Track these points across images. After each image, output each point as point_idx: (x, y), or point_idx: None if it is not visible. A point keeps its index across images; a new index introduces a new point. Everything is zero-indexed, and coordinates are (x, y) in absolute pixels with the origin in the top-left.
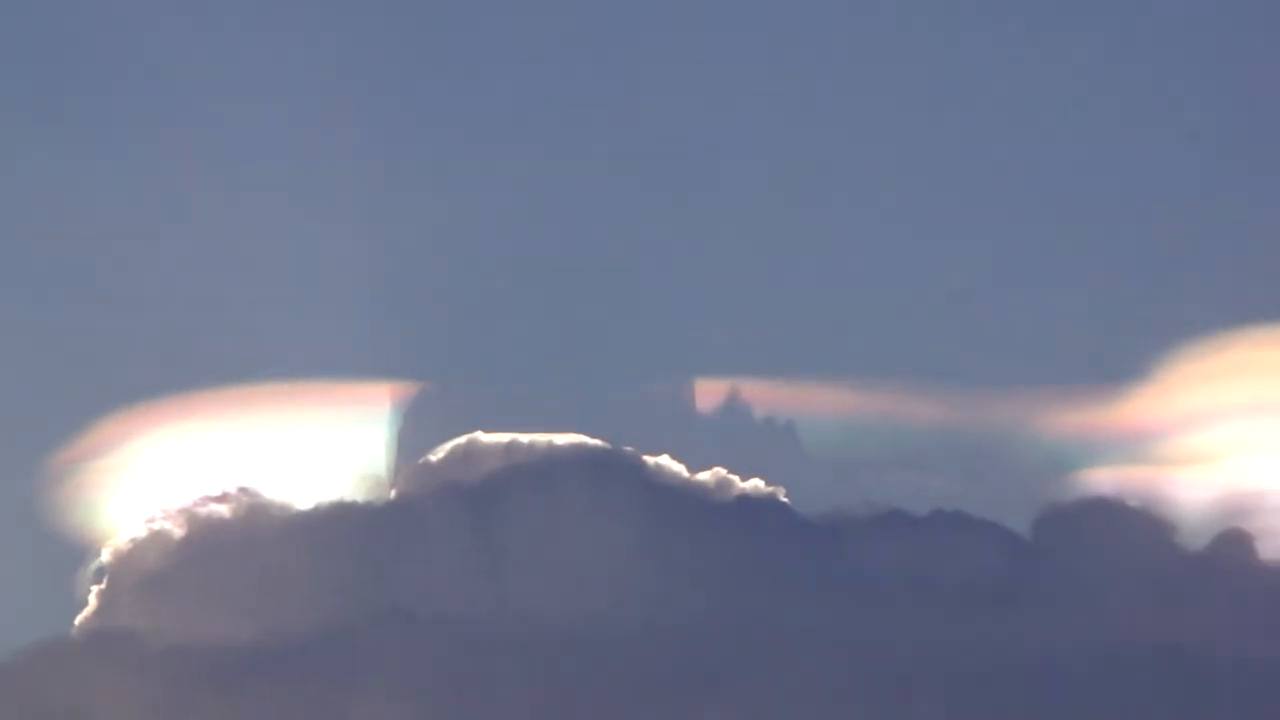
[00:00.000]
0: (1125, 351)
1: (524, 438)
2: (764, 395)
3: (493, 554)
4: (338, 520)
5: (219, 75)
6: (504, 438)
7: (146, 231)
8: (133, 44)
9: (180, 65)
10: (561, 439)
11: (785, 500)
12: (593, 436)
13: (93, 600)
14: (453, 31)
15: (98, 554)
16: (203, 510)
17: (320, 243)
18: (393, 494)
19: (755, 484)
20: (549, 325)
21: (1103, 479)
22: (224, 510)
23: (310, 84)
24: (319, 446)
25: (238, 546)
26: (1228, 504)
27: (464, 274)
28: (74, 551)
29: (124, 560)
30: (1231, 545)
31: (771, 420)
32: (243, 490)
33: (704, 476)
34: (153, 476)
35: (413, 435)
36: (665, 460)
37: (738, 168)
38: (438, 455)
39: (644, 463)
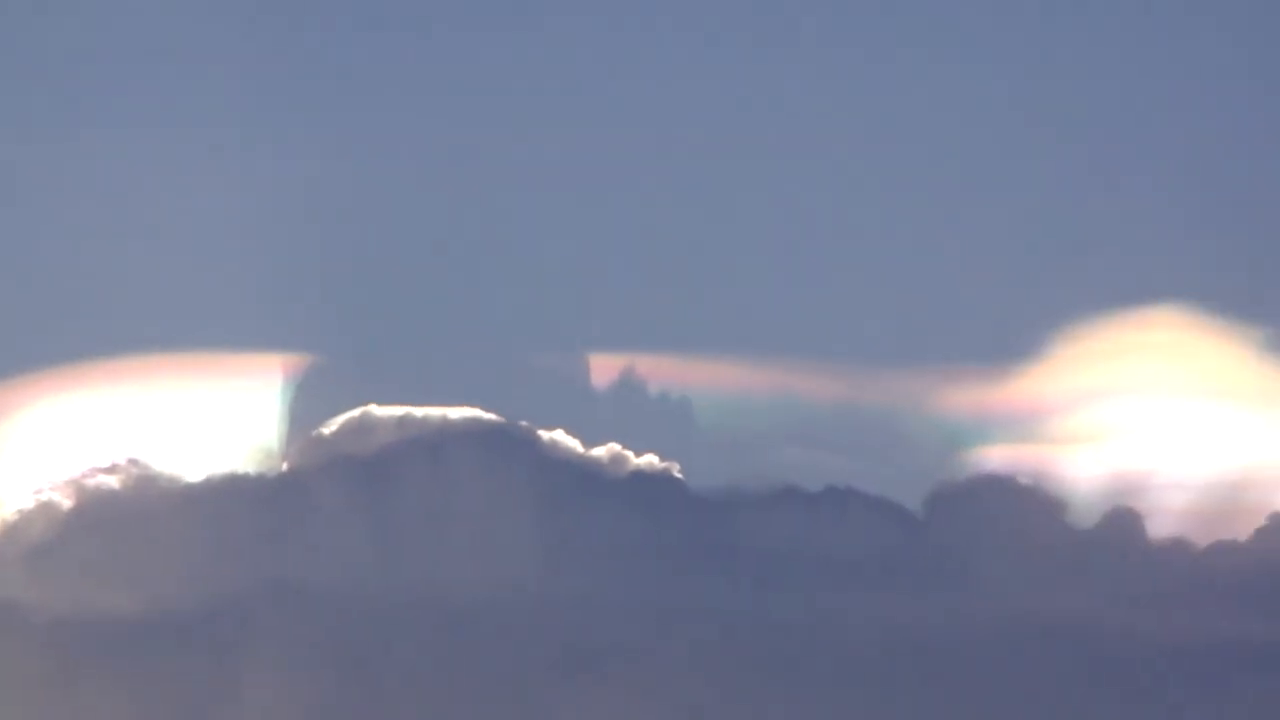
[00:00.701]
0: (1017, 331)
1: (418, 411)
2: (659, 371)
3: (385, 528)
4: (228, 493)
5: (104, 42)
6: (397, 411)
7: (32, 202)
8: None
9: (59, 29)
10: (455, 413)
11: (679, 476)
12: (487, 411)
13: None
14: (373, 9)
15: None
16: (91, 482)
17: (212, 213)
18: (284, 466)
19: (649, 459)
20: (443, 298)
21: (994, 457)
22: (113, 482)
23: (201, 53)
24: (210, 418)
25: (127, 519)
26: (1117, 482)
27: (358, 246)
28: None
29: (11, 532)
30: (1121, 523)
31: (666, 396)
32: (132, 462)
33: (598, 452)
34: (41, 448)
35: (305, 408)
36: (560, 435)
37: (632, 140)
38: (330, 428)
39: (538, 437)
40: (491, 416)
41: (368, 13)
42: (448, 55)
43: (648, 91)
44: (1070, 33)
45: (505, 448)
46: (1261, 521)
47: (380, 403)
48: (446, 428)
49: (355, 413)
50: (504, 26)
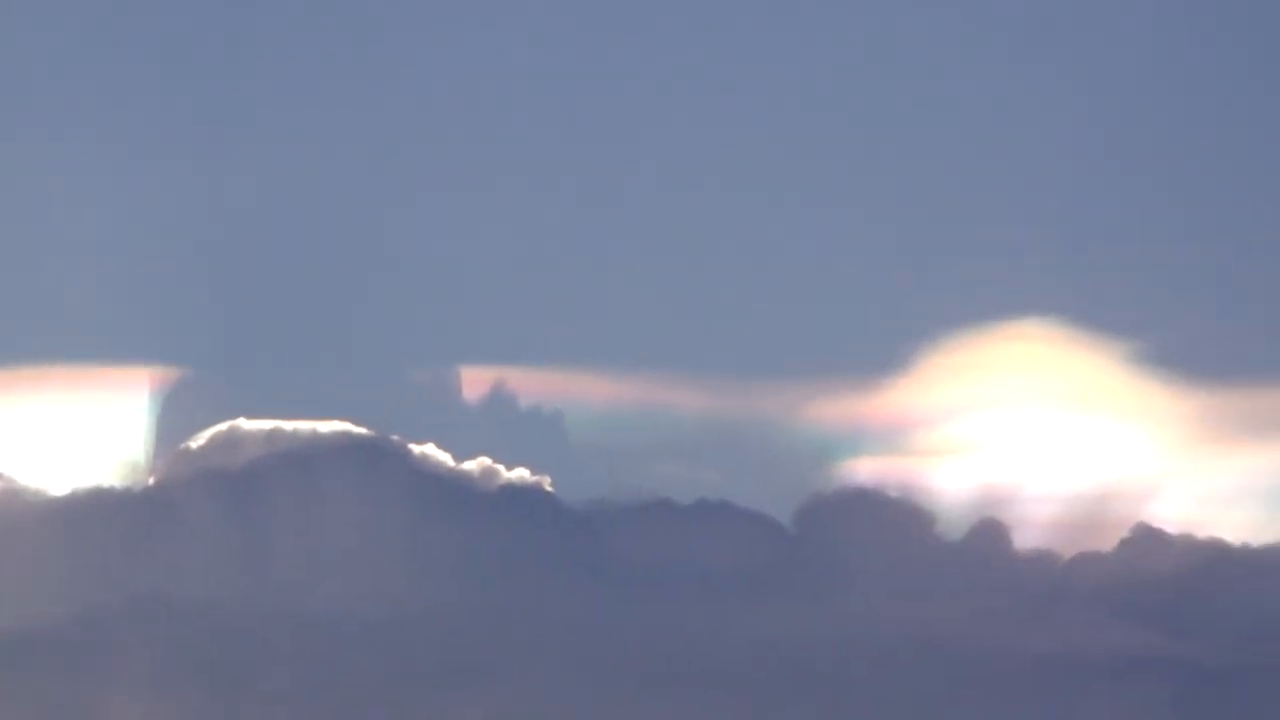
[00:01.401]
0: (886, 344)
1: (287, 425)
2: (530, 385)
3: (254, 541)
4: (95, 506)
5: None
6: (267, 425)
7: None
8: None
9: None
10: (325, 427)
11: (550, 489)
12: (358, 424)
13: None
14: (212, 17)
15: None
16: None
17: (79, 225)
18: (151, 480)
19: (520, 473)
20: (314, 311)
21: (863, 469)
22: None
23: (69, 66)
24: (76, 432)
25: None
26: (984, 494)
27: (227, 259)
28: None
29: None
30: (987, 535)
31: (537, 410)
32: None
33: (469, 465)
34: None
35: (173, 421)
36: (430, 449)
37: (504, 157)
38: (199, 441)
39: (409, 451)
40: (362, 430)
41: (235, 23)
42: (317, 66)
43: (515, 102)
44: (932, 46)
45: (376, 461)
46: (1125, 533)
47: (249, 416)
48: (316, 441)
49: (224, 426)
50: (371, 38)
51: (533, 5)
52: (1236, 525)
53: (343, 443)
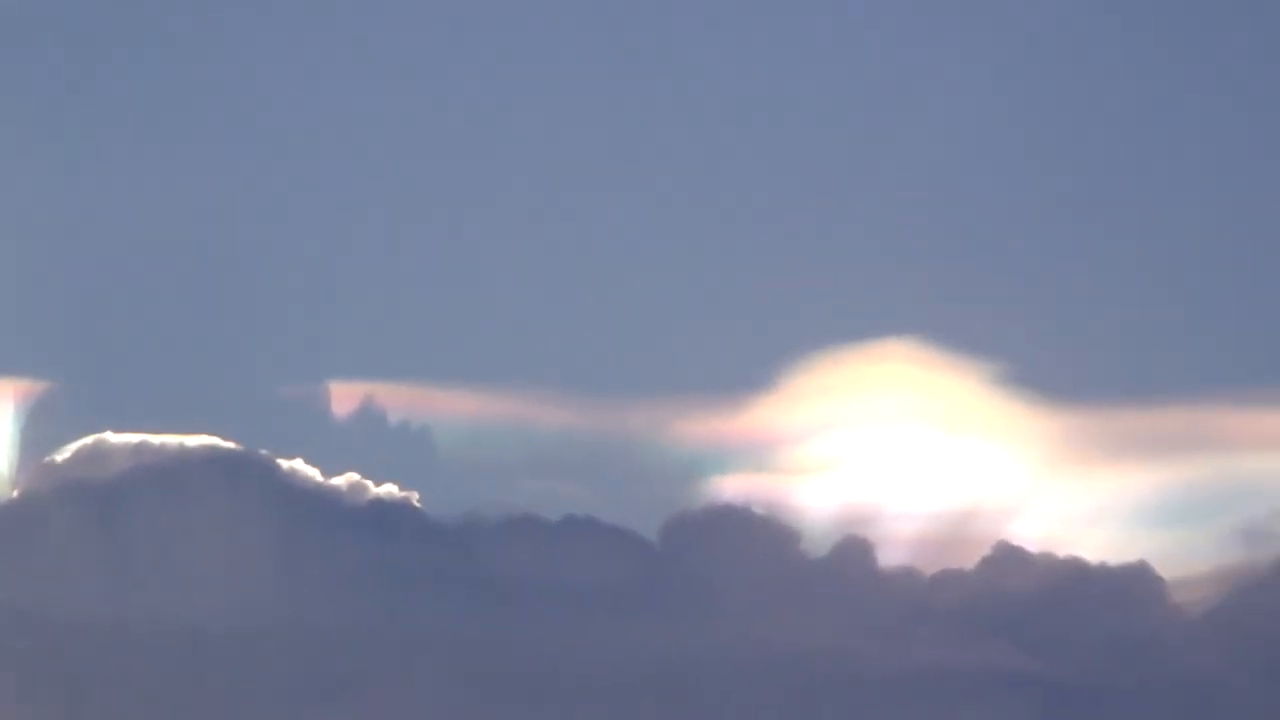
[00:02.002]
0: (752, 362)
1: (154, 439)
2: (399, 400)
3: (120, 556)
4: None
5: None
6: (133, 438)
7: None
8: None
9: None
10: (193, 441)
11: (418, 505)
12: (225, 439)
13: None
14: (92, 26)
15: None
16: None
17: None
18: (14, 494)
19: (389, 488)
20: (181, 324)
21: (729, 486)
22: None
23: None
24: None
25: None
26: (848, 512)
27: (93, 269)
28: None
29: None
30: (851, 552)
31: (406, 425)
32: None
33: (338, 481)
34: None
35: (36, 434)
36: (299, 464)
37: (372, 171)
38: (63, 455)
39: (277, 466)
40: (229, 445)
41: (95, 25)
42: (186, 72)
43: (383, 114)
44: (794, 61)
45: (243, 476)
46: (986, 551)
47: (115, 430)
48: (183, 456)
49: (89, 440)
50: (239, 43)
51: (391, 8)
52: (1096, 545)
53: (210, 457)
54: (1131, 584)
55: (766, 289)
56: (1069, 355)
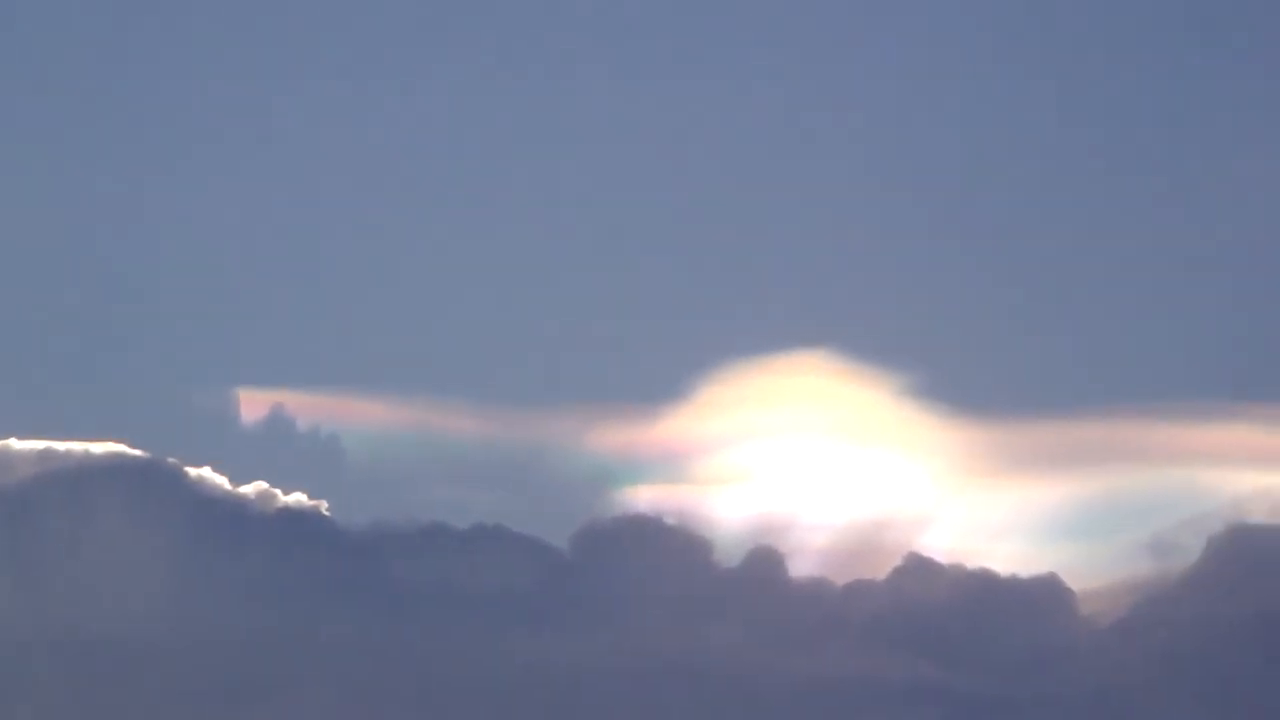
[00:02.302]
0: (664, 372)
1: (60, 446)
2: (308, 408)
3: (24, 564)
4: None
5: None
6: (38, 445)
7: None
8: None
9: None
10: (99, 448)
11: (327, 513)
12: (133, 446)
13: None
14: None
15: None
16: None
17: None
18: None
19: (298, 497)
20: (89, 330)
21: (641, 496)
22: None
23: None
24: None
25: None
26: (760, 522)
27: None
28: None
29: None
30: (763, 562)
31: (315, 433)
32: None
33: (246, 489)
34: None
35: None
36: (207, 472)
37: (282, 176)
38: None
39: (185, 474)
40: (137, 452)
41: (25, 44)
42: (89, 79)
43: (293, 122)
44: (712, 78)
45: (151, 484)
46: (897, 562)
47: (20, 436)
48: (90, 463)
49: None
50: (143, 44)
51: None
52: (1005, 556)
53: (117, 464)
54: (1041, 595)
55: (680, 300)
56: (979, 368)
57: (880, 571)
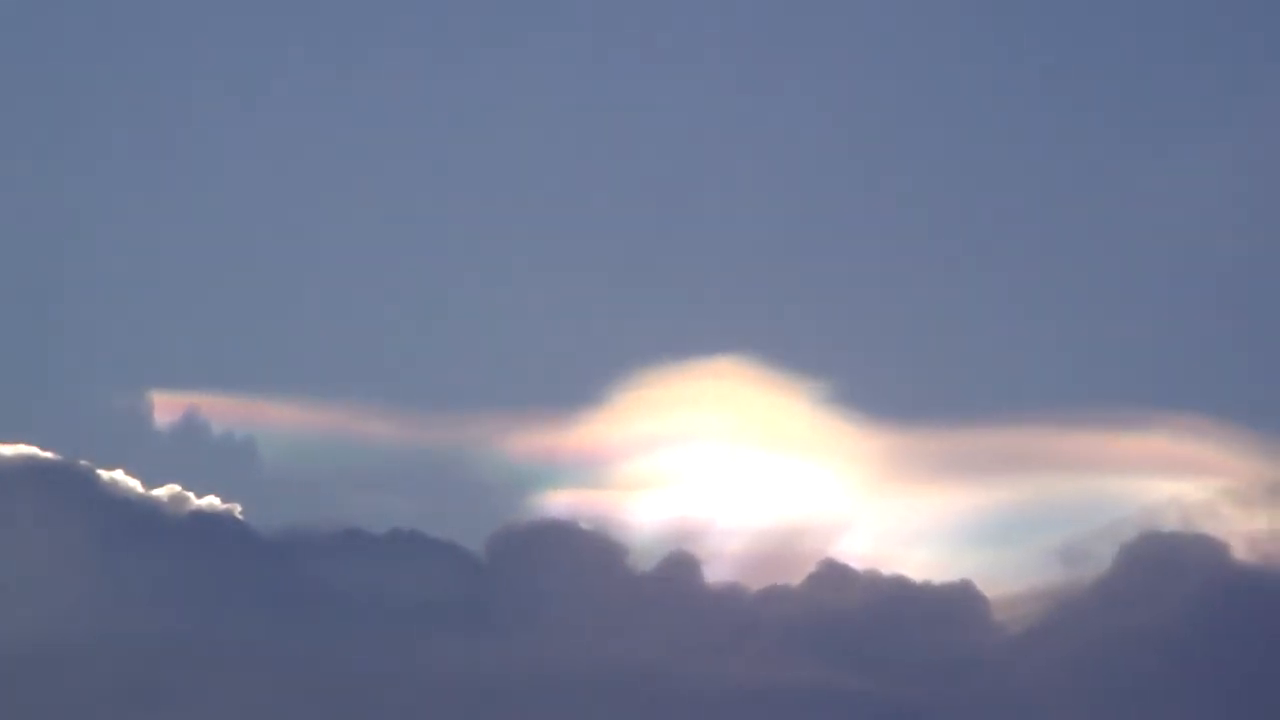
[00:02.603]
0: (581, 377)
1: None
2: (223, 411)
3: None
4: None
5: None
6: None
7: None
8: None
9: None
10: (9, 450)
11: (240, 517)
12: (43, 449)
13: None
14: None
15: None
16: None
17: None
18: None
19: (211, 500)
20: None
21: (557, 501)
22: None
23: None
24: None
25: None
26: (677, 528)
27: None
28: None
29: None
30: (679, 568)
31: (230, 436)
32: None
33: (159, 492)
34: None
35: None
36: (119, 475)
37: (196, 175)
38: None
39: (97, 477)
40: (48, 454)
41: None
42: (36, 80)
43: (206, 118)
44: (631, 78)
45: (62, 487)
46: (812, 568)
47: None
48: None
49: None
50: (59, 43)
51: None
52: (920, 563)
53: (27, 466)
54: (955, 602)
55: (597, 305)
56: (895, 375)
57: (795, 577)
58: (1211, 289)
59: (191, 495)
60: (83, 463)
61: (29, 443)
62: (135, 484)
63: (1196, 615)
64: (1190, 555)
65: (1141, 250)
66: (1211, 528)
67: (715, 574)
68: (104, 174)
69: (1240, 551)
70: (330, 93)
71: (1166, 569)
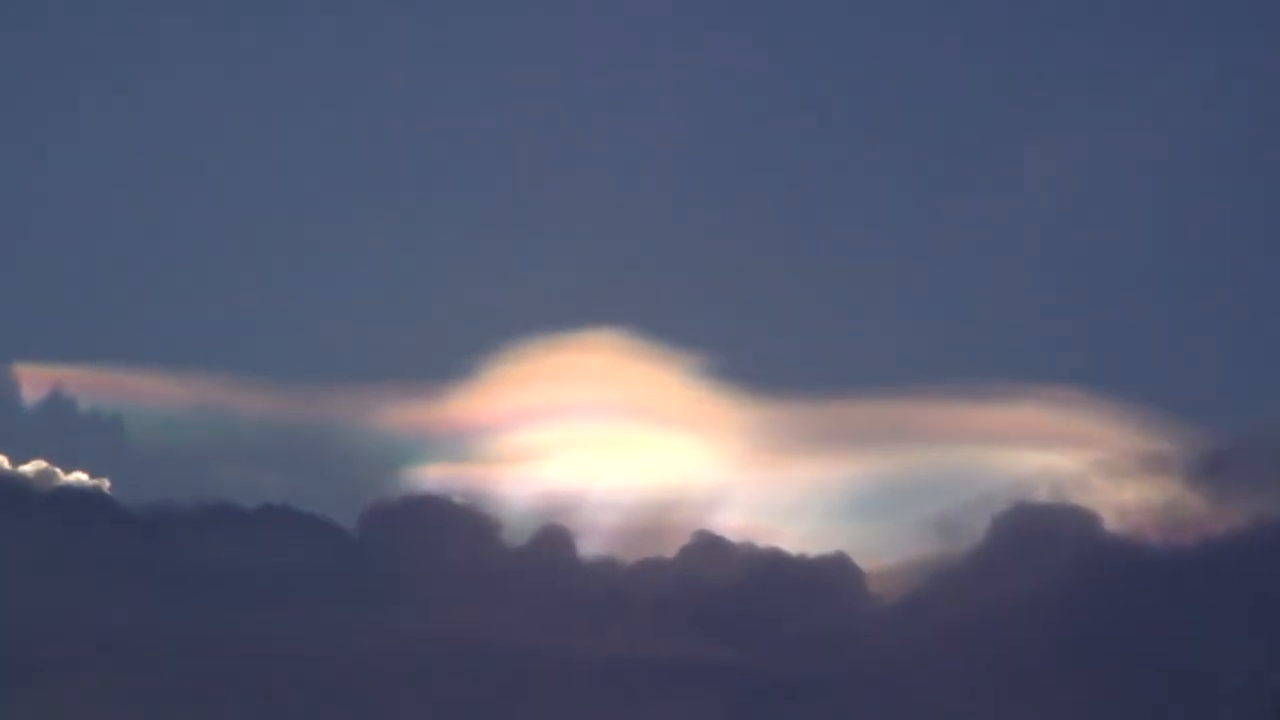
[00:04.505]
0: (454, 350)
1: None
2: (90, 385)
3: None
4: None
5: None
6: None
7: None
8: None
9: None
10: None
11: (109, 493)
12: None
13: None
14: None
15: None
16: None
17: None
18: None
19: (79, 476)
20: None
21: (429, 475)
22: None
23: None
24: None
25: None
26: (550, 501)
27: None
28: None
29: None
30: (552, 541)
31: (97, 412)
32: None
33: (25, 469)
34: None
35: None
36: None
37: (66, 146)
38: None
39: None
40: None
41: None
42: None
43: (90, 101)
44: (524, 59)
45: None
46: (687, 540)
47: None
48: None
49: None
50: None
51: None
52: (795, 535)
53: None
54: (830, 574)
55: (471, 277)
56: (771, 349)
57: (669, 550)
58: (1083, 263)
59: (59, 471)
60: None
61: None
62: (2, 460)
63: (1068, 585)
64: (1062, 526)
65: (1013, 226)
66: (1082, 499)
67: (589, 547)
68: None
69: (1111, 522)
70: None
71: (1038, 540)
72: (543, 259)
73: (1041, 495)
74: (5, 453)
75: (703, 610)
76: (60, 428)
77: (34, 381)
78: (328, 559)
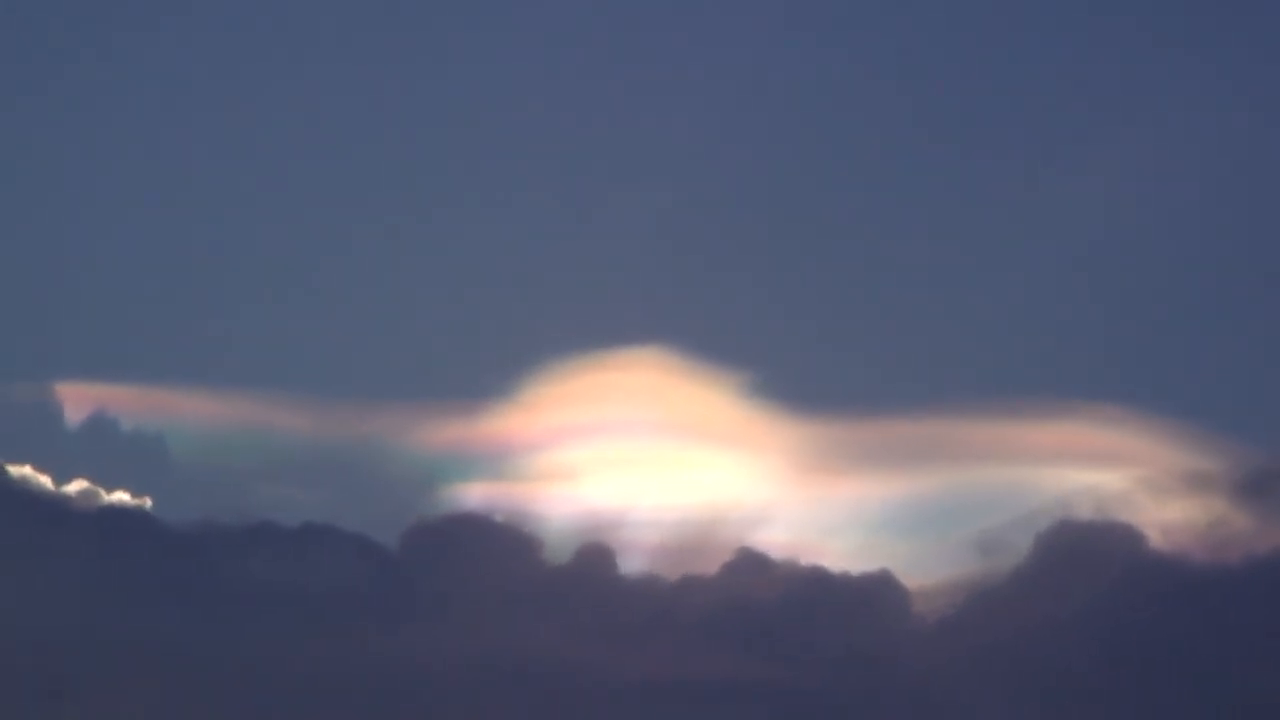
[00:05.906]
0: (496, 367)
1: None
2: (132, 405)
3: None
4: None
5: None
6: None
7: None
8: None
9: None
10: None
11: (152, 512)
12: None
13: None
14: None
15: None
16: None
17: None
18: None
19: (121, 496)
20: None
21: (470, 493)
22: None
23: None
24: None
25: None
26: (591, 520)
27: None
28: None
29: None
30: (593, 559)
31: (140, 431)
32: None
33: (68, 489)
34: None
35: None
36: (28, 471)
37: (105, 168)
38: None
39: (6, 473)
40: None
41: None
42: None
43: (117, 116)
44: (534, 61)
45: None
46: (729, 557)
47: None
48: None
49: None
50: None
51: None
52: (838, 553)
53: None
54: (873, 592)
55: (512, 294)
56: (814, 366)
57: (712, 567)
58: (1129, 280)
59: (101, 491)
60: None
61: None
62: (45, 480)
63: (1113, 603)
64: (1106, 544)
65: (1060, 242)
66: (1127, 516)
67: (630, 565)
68: (5, 167)
69: (1155, 540)
70: (198, 97)
71: (1082, 558)
72: (584, 276)
73: (1086, 513)
74: (48, 473)
75: (745, 628)
76: (103, 448)
77: (77, 402)
78: (369, 577)
